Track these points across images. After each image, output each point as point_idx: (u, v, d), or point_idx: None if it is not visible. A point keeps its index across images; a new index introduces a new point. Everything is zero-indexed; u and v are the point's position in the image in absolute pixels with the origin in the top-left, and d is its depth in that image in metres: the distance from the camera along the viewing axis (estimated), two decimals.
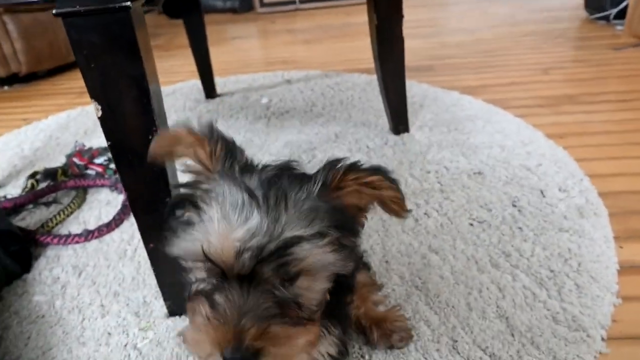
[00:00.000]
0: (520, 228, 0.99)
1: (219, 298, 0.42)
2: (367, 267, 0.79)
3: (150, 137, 0.69)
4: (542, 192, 1.11)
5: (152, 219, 0.74)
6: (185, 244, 0.44)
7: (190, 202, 0.47)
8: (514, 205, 1.07)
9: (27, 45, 2.38)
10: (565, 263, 0.88)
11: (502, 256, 0.91)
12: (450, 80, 1.96)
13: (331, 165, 0.48)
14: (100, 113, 0.66)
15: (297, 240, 0.42)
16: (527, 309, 0.79)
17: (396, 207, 0.49)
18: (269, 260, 0.41)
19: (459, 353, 0.72)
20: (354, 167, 0.48)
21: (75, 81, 2.52)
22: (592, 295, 0.80)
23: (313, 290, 0.46)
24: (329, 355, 0.55)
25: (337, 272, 0.47)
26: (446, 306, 0.81)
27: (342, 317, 0.58)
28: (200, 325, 0.43)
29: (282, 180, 0.46)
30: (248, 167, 0.50)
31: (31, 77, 2.56)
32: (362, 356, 0.73)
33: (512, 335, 0.74)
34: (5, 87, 2.49)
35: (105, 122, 0.67)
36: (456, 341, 0.74)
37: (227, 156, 0.49)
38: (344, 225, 0.47)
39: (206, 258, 0.42)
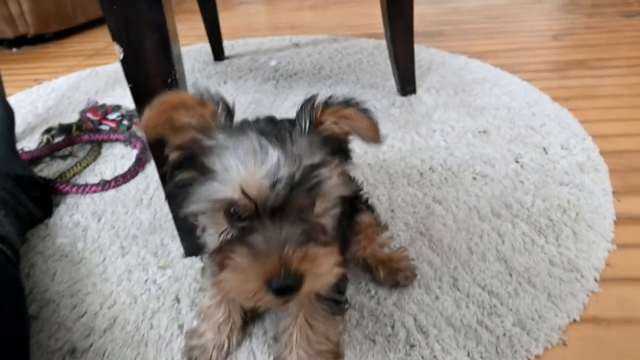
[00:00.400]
0: (522, 182, 1.02)
1: (253, 238, 0.44)
2: (371, 209, 0.82)
3: (169, 80, 0.73)
4: (544, 149, 1.14)
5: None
6: (209, 194, 0.46)
7: (192, 161, 0.49)
8: (517, 162, 1.10)
9: (34, 6, 2.38)
10: (564, 213, 0.92)
11: (503, 207, 0.95)
12: (460, 46, 1.95)
13: (308, 103, 0.50)
14: (122, 55, 0.69)
15: (316, 166, 0.46)
16: (525, 253, 0.83)
17: (372, 134, 0.51)
18: (299, 187, 0.44)
19: (459, 290, 0.76)
20: (330, 103, 0.51)
21: (84, 44, 2.53)
22: (588, 242, 0.84)
23: (328, 214, 0.50)
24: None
25: (344, 194, 0.51)
26: (448, 250, 0.85)
27: (343, 246, 0.63)
28: (243, 265, 0.44)
29: (277, 125, 0.49)
30: (244, 123, 0.52)
31: (39, 40, 2.57)
32: (369, 291, 0.78)
33: (510, 275, 0.78)
34: (14, 49, 2.51)
35: (127, 64, 0.70)
36: (457, 280, 0.78)
37: (227, 115, 0.50)
38: (338, 151, 0.51)
39: (245, 196, 0.44)
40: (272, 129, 0.48)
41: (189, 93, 0.50)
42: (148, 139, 0.52)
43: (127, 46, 0.68)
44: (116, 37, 0.68)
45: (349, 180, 0.53)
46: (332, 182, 0.47)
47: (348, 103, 0.51)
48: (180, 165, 0.52)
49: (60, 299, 0.82)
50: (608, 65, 1.65)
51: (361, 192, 0.82)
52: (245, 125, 0.50)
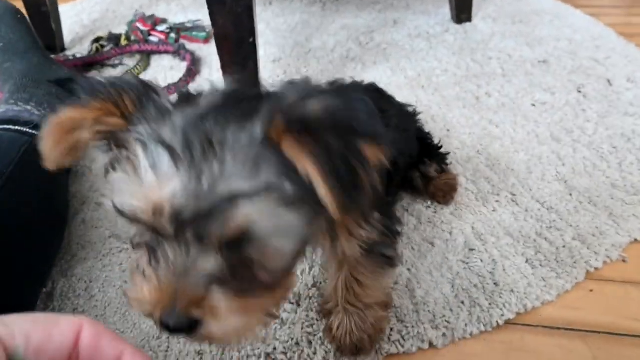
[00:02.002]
0: (584, 110, 0.99)
1: (159, 254, 0.35)
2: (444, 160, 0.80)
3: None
4: (609, 81, 1.09)
5: (238, 57, 0.77)
6: (118, 192, 0.36)
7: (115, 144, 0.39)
8: (579, 92, 1.05)
9: None
10: (628, 141, 0.89)
11: (564, 132, 0.92)
12: None
13: (276, 104, 0.34)
14: None
15: (231, 196, 0.32)
16: (586, 175, 0.81)
17: (325, 194, 0.33)
18: (195, 223, 0.33)
19: (517, 204, 0.76)
20: (294, 119, 0.33)
21: None
22: None
23: (270, 256, 0.36)
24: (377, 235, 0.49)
25: (303, 240, 0.38)
26: (506, 168, 0.84)
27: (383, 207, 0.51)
28: (139, 284, 0.36)
29: (218, 117, 0.35)
30: (176, 104, 0.38)
31: None
32: (425, 201, 0.78)
33: (570, 194, 0.78)
34: None
35: None
36: (515, 195, 0.78)
37: (142, 103, 0.38)
38: (302, 181, 0.33)
39: (129, 218, 0.35)
40: (199, 128, 0.34)
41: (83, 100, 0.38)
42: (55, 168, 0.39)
43: None
44: None
45: (317, 217, 0.36)
46: (266, 221, 0.34)
47: (319, 125, 0.33)
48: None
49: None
50: None
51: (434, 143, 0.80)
52: (172, 110, 0.37)
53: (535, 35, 1.33)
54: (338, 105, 0.34)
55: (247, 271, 0.35)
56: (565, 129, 0.93)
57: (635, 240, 0.70)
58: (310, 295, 0.64)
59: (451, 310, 0.61)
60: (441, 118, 0.99)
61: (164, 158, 0.33)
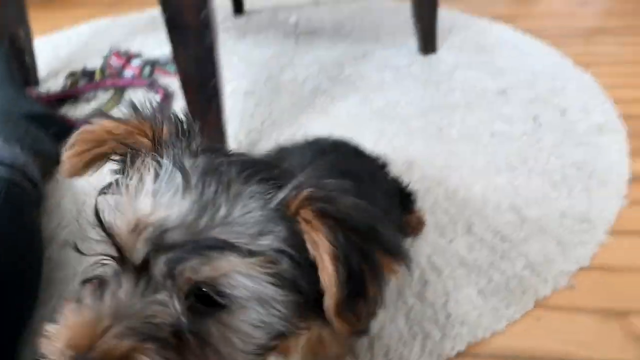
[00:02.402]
0: (538, 140, 1.03)
1: (109, 286, 0.32)
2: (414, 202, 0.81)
3: (201, 15, 0.74)
4: (563, 111, 1.14)
5: (201, 98, 0.80)
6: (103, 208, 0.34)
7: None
8: (535, 121, 1.11)
9: None
10: (579, 170, 0.93)
11: (519, 162, 0.97)
12: (483, 8, 1.92)
13: (299, 183, 0.34)
14: None
15: (224, 244, 0.30)
16: (538, 205, 0.85)
17: (328, 284, 0.32)
18: (172, 254, 0.30)
19: (473, 234, 0.79)
20: (315, 197, 0.33)
21: None
22: (600, 197, 0.86)
23: (233, 333, 0.32)
24: None
25: (270, 335, 0.33)
26: (463, 200, 0.88)
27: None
28: (67, 315, 0.31)
29: (244, 170, 0.34)
30: (208, 149, 0.37)
31: None
32: None
33: (522, 223, 0.81)
34: None
35: None
36: (471, 226, 0.81)
37: (177, 136, 0.37)
38: (302, 263, 0.32)
39: (101, 226, 0.33)
40: (221, 173, 0.33)
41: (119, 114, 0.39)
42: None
43: None
44: None
45: (299, 304, 0.33)
46: (242, 287, 0.31)
47: (341, 212, 0.32)
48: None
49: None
50: (632, 33, 1.62)
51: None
52: (203, 152, 0.36)
53: (497, 65, 1.39)
54: (367, 209, 0.33)
55: (197, 349, 0.31)
56: (521, 159, 0.98)
57: (583, 267, 0.74)
58: None
59: (405, 343, 0.63)
60: (404, 149, 1.03)
61: (175, 182, 0.32)
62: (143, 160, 0.35)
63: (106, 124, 0.38)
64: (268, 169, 0.36)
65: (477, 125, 1.10)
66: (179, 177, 0.32)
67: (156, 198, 0.31)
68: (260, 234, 0.31)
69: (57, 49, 1.70)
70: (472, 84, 1.29)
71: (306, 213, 0.32)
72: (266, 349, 0.34)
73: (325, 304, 0.31)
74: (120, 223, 0.32)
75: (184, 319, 0.30)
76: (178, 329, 0.30)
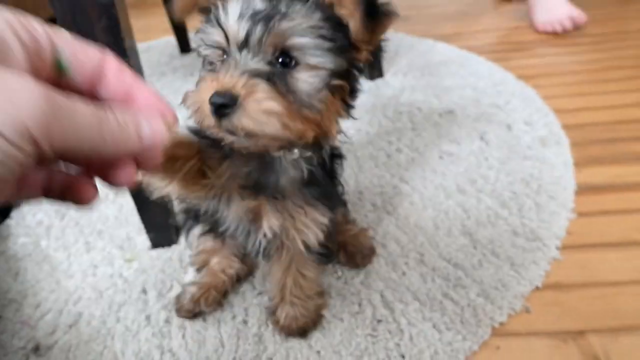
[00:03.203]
0: (486, 158, 1.04)
1: (227, 60, 0.48)
2: (344, 203, 0.82)
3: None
4: (508, 126, 1.16)
5: None
6: (207, 39, 0.51)
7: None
8: (482, 139, 1.11)
9: None
10: (526, 186, 0.93)
11: (468, 183, 0.96)
12: (427, 29, 1.96)
13: None
14: None
15: (291, 13, 0.46)
16: (489, 226, 0.84)
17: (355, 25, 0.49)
18: (262, 21, 0.46)
19: (425, 264, 0.77)
20: None
21: None
22: (549, 212, 0.86)
23: (309, 82, 0.48)
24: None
25: (331, 68, 0.48)
26: (415, 227, 0.86)
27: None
28: (199, 84, 0.47)
29: None
30: None
31: None
32: (336, 272, 0.78)
33: (475, 247, 0.80)
34: None
35: None
36: (423, 255, 0.79)
37: None
38: (339, 29, 0.48)
39: (217, 23, 0.48)
40: None
41: None
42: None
43: (75, 32, 0.67)
44: (62, 23, 0.66)
45: (342, 54, 0.49)
46: (308, 35, 0.47)
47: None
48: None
49: (23, 298, 0.80)
50: (570, 44, 1.69)
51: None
52: None
53: (443, 85, 1.41)
54: None
55: (290, 84, 0.47)
56: (470, 179, 0.97)
57: (537, 287, 0.72)
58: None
59: None
60: (354, 180, 1.01)
61: None
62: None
63: None
64: None
65: (425, 148, 1.10)
66: None
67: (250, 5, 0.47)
68: (309, 16, 0.47)
69: None
70: (419, 106, 1.30)
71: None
72: (325, 94, 0.49)
73: (352, 32, 0.49)
74: (229, 20, 0.47)
75: (278, 68, 0.47)
76: (272, 77, 0.46)
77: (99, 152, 0.28)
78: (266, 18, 0.46)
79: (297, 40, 0.46)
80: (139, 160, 0.32)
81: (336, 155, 0.67)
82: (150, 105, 0.34)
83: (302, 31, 0.46)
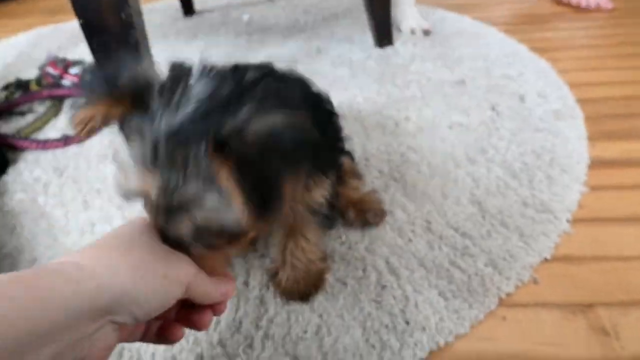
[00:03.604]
0: (497, 129, 1.01)
1: None
2: (350, 155, 0.80)
3: (121, 15, 0.67)
4: (521, 97, 1.12)
5: None
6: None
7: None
8: (493, 110, 1.08)
9: None
10: (538, 158, 0.91)
11: (479, 153, 0.93)
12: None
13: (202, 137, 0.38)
14: None
15: (190, 199, 0.38)
16: (499, 196, 0.82)
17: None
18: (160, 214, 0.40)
19: (432, 232, 0.75)
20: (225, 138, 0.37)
21: (44, 2, 2.38)
22: (561, 185, 0.84)
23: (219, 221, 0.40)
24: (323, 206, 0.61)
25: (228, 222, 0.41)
26: (422, 195, 0.83)
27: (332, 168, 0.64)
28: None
29: (196, 125, 0.38)
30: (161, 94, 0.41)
31: None
32: (340, 237, 0.76)
33: (483, 217, 0.78)
34: None
35: None
36: (430, 223, 0.77)
37: (137, 100, 0.41)
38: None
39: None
40: (179, 137, 0.38)
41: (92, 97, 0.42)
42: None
43: None
44: None
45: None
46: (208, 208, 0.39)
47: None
48: None
49: (19, 253, 0.78)
50: (587, 18, 1.63)
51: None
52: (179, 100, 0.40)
53: (454, 56, 1.36)
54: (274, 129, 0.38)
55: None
56: (480, 149, 0.94)
57: (545, 259, 0.71)
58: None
59: (361, 356, 0.58)
60: (361, 147, 0.98)
61: (149, 158, 0.38)
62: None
63: (84, 112, 0.41)
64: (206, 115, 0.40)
65: (434, 118, 1.06)
66: (152, 154, 0.38)
67: (148, 177, 0.39)
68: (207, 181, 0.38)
69: None
70: (429, 75, 1.26)
71: (213, 159, 0.37)
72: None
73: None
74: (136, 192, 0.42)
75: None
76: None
77: (208, 300, 0.43)
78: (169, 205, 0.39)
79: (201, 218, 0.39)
80: (214, 308, 0.45)
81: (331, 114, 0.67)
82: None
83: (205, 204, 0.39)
